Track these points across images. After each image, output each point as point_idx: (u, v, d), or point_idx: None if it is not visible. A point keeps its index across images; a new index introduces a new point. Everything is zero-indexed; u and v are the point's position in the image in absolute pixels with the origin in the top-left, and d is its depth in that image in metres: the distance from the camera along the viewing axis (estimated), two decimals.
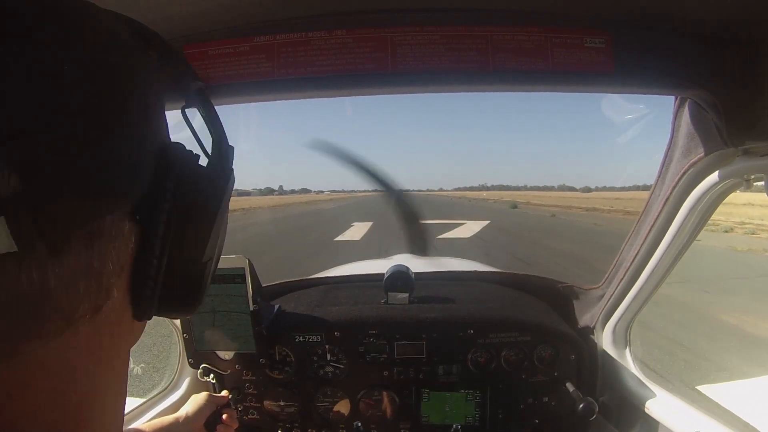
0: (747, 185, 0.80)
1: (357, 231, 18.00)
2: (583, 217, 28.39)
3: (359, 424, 1.24)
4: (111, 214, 0.28)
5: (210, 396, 1.09)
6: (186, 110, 0.49)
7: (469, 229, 18.36)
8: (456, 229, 17.81)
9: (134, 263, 0.32)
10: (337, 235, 16.39)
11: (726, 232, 16.82)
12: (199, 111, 0.48)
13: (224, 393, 1.19)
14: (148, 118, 0.32)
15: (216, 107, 0.71)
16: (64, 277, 0.26)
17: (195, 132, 0.45)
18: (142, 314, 0.34)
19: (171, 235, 0.33)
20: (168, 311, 0.36)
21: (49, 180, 0.24)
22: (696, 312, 6.02)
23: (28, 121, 0.24)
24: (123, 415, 0.37)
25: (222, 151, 0.41)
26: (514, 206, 42.34)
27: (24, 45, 0.24)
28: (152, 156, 0.32)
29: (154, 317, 0.38)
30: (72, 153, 0.25)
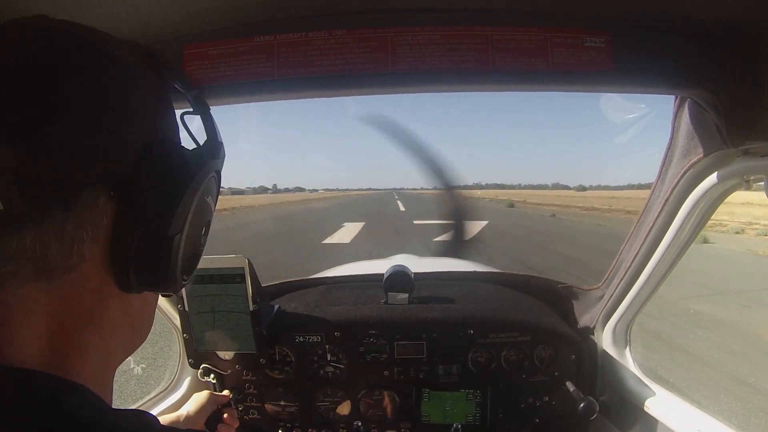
0: (747, 186, 0.80)
1: (347, 233, 17.00)
2: (584, 217, 26.92)
3: (359, 424, 1.24)
4: (87, 191, 0.36)
5: (211, 395, 1.09)
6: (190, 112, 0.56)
7: (467, 230, 17.37)
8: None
9: (111, 235, 0.38)
10: (325, 237, 15.52)
11: (737, 233, 16.23)
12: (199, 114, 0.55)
13: (225, 392, 1.18)
14: (133, 121, 0.40)
15: (214, 107, 0.71)
16: (39, 238, 0.34)
17: (189, 131, 0.53)
18: (123, 284, 0.40)
19: (141, 211, 0.39)
20: (146, 284, 0.42)
21: (36, 161, 0.33)
22: (746, 334, 5.24)
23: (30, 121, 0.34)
24: (109, 370, 0.43)
25: (211, 147, 0.49)
26: (511, 205, 41.77)
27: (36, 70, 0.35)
28: (134, 149, 0.39)
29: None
30: (58, 145, 0.34)
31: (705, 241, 13.37)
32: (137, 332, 0.47)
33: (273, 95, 0.71)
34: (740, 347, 4.85)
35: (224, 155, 0.51)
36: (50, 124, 0.34)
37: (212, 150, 0.49)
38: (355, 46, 0.67)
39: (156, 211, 0.40)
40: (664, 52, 0.68)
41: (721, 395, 3.76)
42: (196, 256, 0.47)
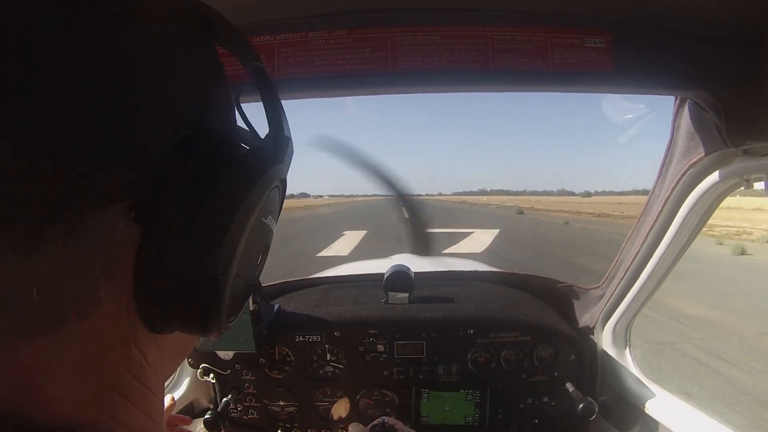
0: (747, 185, 0.80)
1: (346, 243, 15.59)
2: (599, 224, 24.75)
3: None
4: (97, 211, 0.24)
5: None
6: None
7: (479, 240, 15.68)
8: (464, 241, 15.48)
9: (135, 270, 0.27)
10: (322, 249, 13.99)
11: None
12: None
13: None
14: (164, 103, 0.28)
15: None
16: (35, 278, 0.23)
17: (247, 120, 0.39)
18: (153, 328, 0.30)
19: (174, 241, 0.27)
20: (182, 328, 0.31)
21: (18, 170, 0.21)
22: None
23: None
24: (154, 414, 0.33)
25: (275, 145, 0.34)
26: (521, 212, 40.39)
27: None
28: (165, 144, 0.27)
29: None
30: (46, 147, 0.22)
31: (743, 252, 12.56)
32: (175, 362, 0.38)
33: None
34: None
35: (292, 154, 0.37)
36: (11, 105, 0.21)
37: (276, 149, 0.34)
38: (355, 46, 0.67)
39: (195, 241, 0.28)
40: (664, 53, 0.68)
41: None
42: (247, 292, 0.35)
